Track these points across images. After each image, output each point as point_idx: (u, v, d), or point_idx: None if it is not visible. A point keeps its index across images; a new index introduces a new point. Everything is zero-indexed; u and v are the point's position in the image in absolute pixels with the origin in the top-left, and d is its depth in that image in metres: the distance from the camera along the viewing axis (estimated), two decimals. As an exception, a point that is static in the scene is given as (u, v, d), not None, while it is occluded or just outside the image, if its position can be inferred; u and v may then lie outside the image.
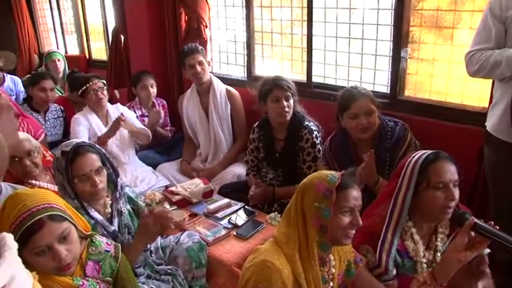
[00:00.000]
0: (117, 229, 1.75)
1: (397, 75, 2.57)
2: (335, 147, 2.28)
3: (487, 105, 2.14)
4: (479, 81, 2.20)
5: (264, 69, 3.39)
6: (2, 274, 0.64)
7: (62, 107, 3.46)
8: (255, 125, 2.67)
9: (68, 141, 1.78)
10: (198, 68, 3.00)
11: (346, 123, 2.17)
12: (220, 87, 3.11)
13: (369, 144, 2.15)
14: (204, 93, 3.12)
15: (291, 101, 2.44)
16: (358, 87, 2.21)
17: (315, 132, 2.45)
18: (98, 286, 1.35)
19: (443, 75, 2.48)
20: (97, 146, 1.81)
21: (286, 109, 2.42)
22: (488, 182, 2.03)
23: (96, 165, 1.68)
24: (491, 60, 1.76)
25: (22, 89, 3.81)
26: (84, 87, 2.93)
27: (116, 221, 1.76)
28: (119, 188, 1.84)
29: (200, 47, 3.09)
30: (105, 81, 3.04)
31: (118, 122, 2.79)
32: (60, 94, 3.94)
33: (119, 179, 1.86)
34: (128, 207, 1.87)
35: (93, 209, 1.72)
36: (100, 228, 1.70)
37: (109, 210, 1.78)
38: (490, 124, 1.93)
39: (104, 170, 1.72)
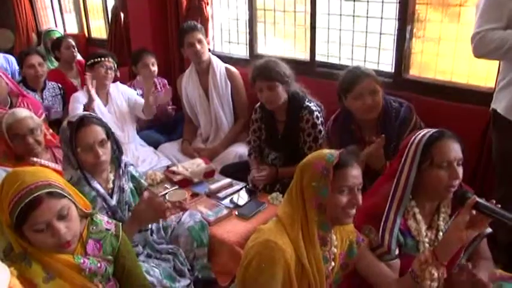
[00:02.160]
0: (116, 205, 1.75)
1: (402, 54, 2.52)
2: (338, 127, 2.24)
3: (493, 85, 2.10)
4: (486, 61, 2.15)
5: (267, 47, 3.33)
6: None
7: (59, 85, 3.41)
8: (257, 105, 2.63)
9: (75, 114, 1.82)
10: (198, 46, 2.93)
11: (350, 104, 2.12)
12: (219, 66, 3.06)
13: (374, 124, 2.12)
14: (203, 72, 3.06)
15: (279, 88, 2.35)
16: (361, 68, 2.15)
17: (316, 113, 2.40)
18: (98, 264, 1.35)
19: (450, 55, 2.43)
20: (103, 119, 1.81)
21: (271, 98, 2.37)
22: (496, 166, 1.98)
23: (99, 138, 1.70)
24: (511, 40, 1.67)
25: (17, 67, 3.76)
26: (97, 59, 2.89)
27: (115, 196, 1.77)
28: (123, 165, 1.84)
29: (199, 25, 3.02)
30: (115, 64, 3.00)
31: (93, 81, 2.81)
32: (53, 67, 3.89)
33: (123, 157, 1.87)
34: (131, 185, 1.87)
35: (95, 181, 1.73)
36: (101, 200, 1.71)
37: (111, 185, 1.79)
38: (502, 106, 1.85)
39: (108, 143, 1.73)
